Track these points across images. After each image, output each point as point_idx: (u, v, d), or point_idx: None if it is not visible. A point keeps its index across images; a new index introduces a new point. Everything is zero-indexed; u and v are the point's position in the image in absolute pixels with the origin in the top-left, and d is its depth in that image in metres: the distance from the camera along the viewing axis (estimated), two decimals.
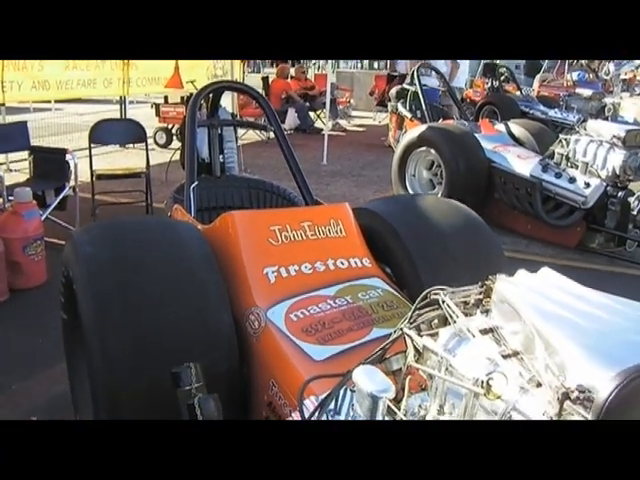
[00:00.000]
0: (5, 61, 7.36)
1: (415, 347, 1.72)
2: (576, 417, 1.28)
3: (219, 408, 1.81)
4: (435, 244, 2.76)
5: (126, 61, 9.40)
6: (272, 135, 11.09)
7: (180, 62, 9.53)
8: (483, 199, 6.42)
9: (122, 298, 2.21)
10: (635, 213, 5.60)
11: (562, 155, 5.98)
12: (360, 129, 14.55)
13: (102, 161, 8.95)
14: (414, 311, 1.79)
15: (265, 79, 13.58)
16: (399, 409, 1.73)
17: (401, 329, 1.76)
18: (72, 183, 5.72)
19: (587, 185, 5.68)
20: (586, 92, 11.98)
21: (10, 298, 4.50)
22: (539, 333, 1.40)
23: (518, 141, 7.01)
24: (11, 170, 8.20)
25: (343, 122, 14.49)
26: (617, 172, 5.65)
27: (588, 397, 1.23)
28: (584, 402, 1.24)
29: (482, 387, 1.44)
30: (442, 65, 8.73)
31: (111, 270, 2.28)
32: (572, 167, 5.91)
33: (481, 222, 2.99)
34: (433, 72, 8.51)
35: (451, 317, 1.65)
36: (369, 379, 1.57)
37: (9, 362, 3.61)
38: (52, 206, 5.43)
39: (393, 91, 8.51)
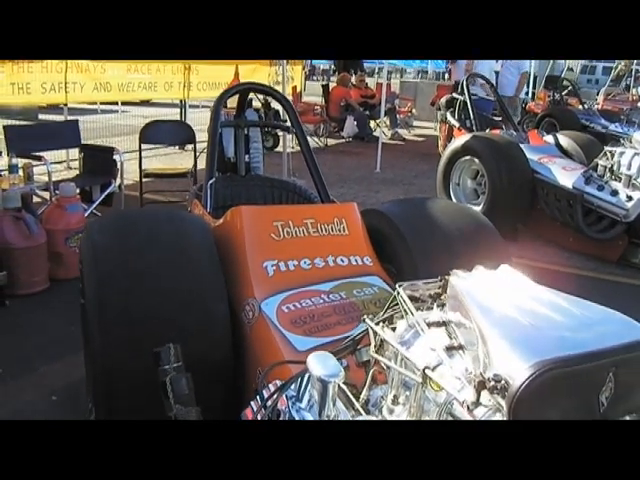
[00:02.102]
0: (68, 62, 7.68)
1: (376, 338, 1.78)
2: (492, 406, 1.32)
3: (191, 387, 1.89)
4: (439, 245, 2.79)
5: (187, 66, 9.68)
6: (329, 142, 11.18)
7: (240, 67, 9.72)
8: (526, 210, 6.38)
9: (122, 282, 2.33)
10: None
11: (605, 167, 5.89)
12: (420, 139, 14.53)
13: (158, 161, 9.23)
14: (389, 306, 1.84)
15: (325, 87, 13.72)
16: (366, 399, 1.78)
17: (364, 320, 1.81)
18: (118, 181, 5.92)
19: (629, 198, 5.58)
20: None
21: (50, 287, 4.70)
22: (478, 326, 1.43)
23: (566, 153, 6.92)
24: (70, 168, 8.52)
25: (403, 131, 14.50)
26: None
27: (503, 386, 1.27)
28: (500, 391, 1.28)
29: (423, 379, 1.50)
30: (486, 73, 8.65)
31: (114, 255, 2.40)
32: (616, 180, 5.81)
33: (489, 226, 3.01)
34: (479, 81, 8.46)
35: (405, 310, 1.70)
36: (320, 364, 1.62)
37: (41, 346, 3.79)
38: (97, 201, 5.65)
39: (443, 100, 8.50)
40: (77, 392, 3.11)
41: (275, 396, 1.76)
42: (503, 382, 1.27)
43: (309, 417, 1.68)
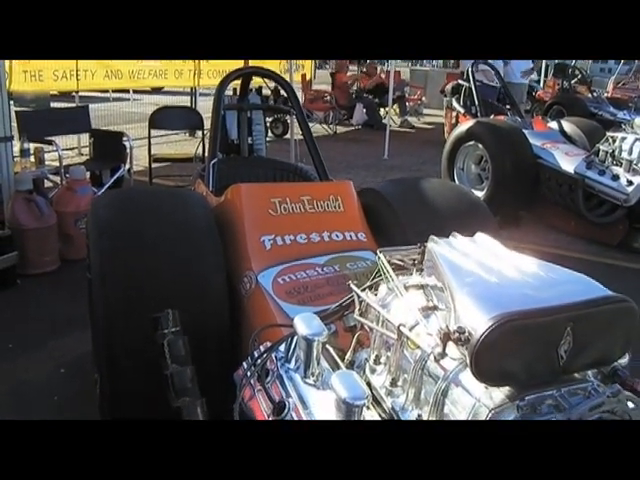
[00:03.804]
0: None
1: (361, 303, 1.88)
2: (460, 358, 1.43)
3: (187, 349, 2.01)
4: (431, 222, 2.88)
5: None
6: (339, 130, 11.23)
7: None
8: (529, 195, 6.45)
9: (124, 254, 2.44)
10: None
11: (607, 153, 5.95)
12: (429, 126, 14.57)
13: (168, 148, 9.34)
14: (376, 273, 1.94)
15: (333, 74, 13.80)
16: (351, 360, 1.89)
17: (349, 285, 1.92)
18: (128, 165, 6.04)
19: (630, 183, 5.65)
20: None
21: (60, 267, 4.85)
22: (448, 285, 1.53)
23: (570, 139, 6.98)
24: (82, 154, 8.65)
25: (412, 119, 14.54)
26: None
27: (467, 337, 1.37)
28: (464, 342, 1.38)
29: (398, 336, 1.60)
30: (499, 61, 8.69)
31: (118, 229, 2.52)
32: (617, 165, 5.88)
33: (481, 204, 3.11)
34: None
35: (385, 275, 1.81)
36: (305, 324, 1.74)
37: (51, 323, 3.92)
38: (107, 185, 5.78)
39: (449, 87, 8.58)
40: (85, 365, 3.21)
41: (265, 355, 1.88)
42: (466, 334, 1.37)
43: (297, 377, 1.79)
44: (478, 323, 1.33)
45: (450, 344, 1.44)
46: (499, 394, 1.37)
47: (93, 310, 2.63)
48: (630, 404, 1.44)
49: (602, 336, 1.44)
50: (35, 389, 3.21)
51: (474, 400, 1.38)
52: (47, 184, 5.83)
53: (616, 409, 1.41)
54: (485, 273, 1.54)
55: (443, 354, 1.44)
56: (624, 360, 1.66)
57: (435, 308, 1.62)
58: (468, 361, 1.34)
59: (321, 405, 1.65)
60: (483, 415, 1.35)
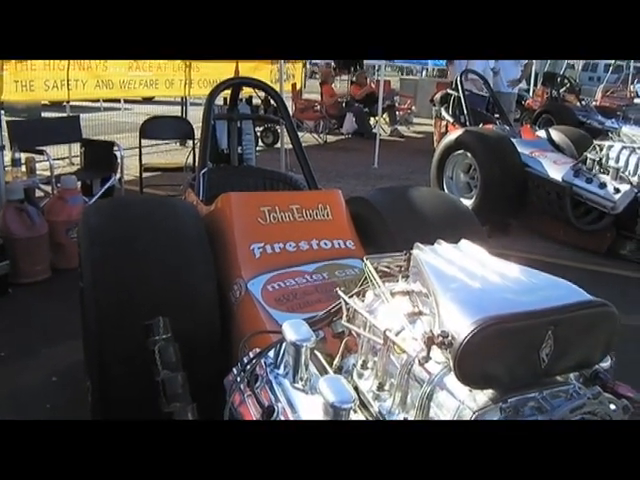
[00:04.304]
0: (70, 61, 7.82)
1: (349, 310, 1.92)
2: (445, 362, 1.46)
3: (178, 355, 2.04)
4: (419, 230, 2.92)
5: (187, 63, 9.79)
6: (329, 139, 11.26)
7: (241, 65, 9.83)
8: (517, 203, 6.50)
9: (115, 262, 2.47)
10: None
11: (594, 161, 6.01)
12: (419, 135, 14.64)
13: (159, 157, 9.37)
14: (364, 280, 1.98)
15: (322, 84, 13.89)
16: (339, 365, 1.92)
17: (336, 292, 1.96)
18: (118, 175, 6.07)
19: (617, 191, 5.70)
20: None
21: (52, 276, 4.86)
22: (432, 291, 1.57)
23: (558, 147, 7.04)
24: (73, 164, 8.67)
25: (402, 128, 14.61)
26: None
27: (450, 341, 1.41)
28: (447, 346, 1.42)
29: (384, 340, 1.64)
30: (481, 69, 8.73)
31: (109, 236, 2.55)
32: (604, 173, 5.94)
33: (467, 212, 3.15)
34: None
35: (372, 282, 1.84)
36: (294, 330, 1.78)
37: (42, 332, 3.95)
38: (98, 194, 5.81)
39: (437, 96, 8.63)
40: (77, 373, 3.23)
41: (254, 361, 1.91)
42: (450, 337, 1.40)
43: (285, 382, 1.82)
44: (461, 327, 1.37)
45: (434, 348, 1.48)
46: (482, 397, 1.40)
47: (85, 318, 2.66)
48: (612, 406, 1.48)
49: (583, 340, 1.48)
50: (28, 396, 3.22)
51: (458, 402, 1.42)
52: (38, 194, 5.86)
53: (597, 410, 1.45)
54: (468, 279, 1.58)
55: (427, 358, 1.47)
56: (606, 364, 1.71)
57: (420, 313, 1.66)
58: (452, 364, 1.38)
59: (309, 409, 1.68)
60: (467, 417, 1.39)
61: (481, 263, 1.70)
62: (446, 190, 7.01)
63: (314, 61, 23.32)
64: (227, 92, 4.43)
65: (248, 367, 1.89)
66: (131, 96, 10.77)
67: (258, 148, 10.09)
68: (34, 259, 4.70)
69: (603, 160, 5.98)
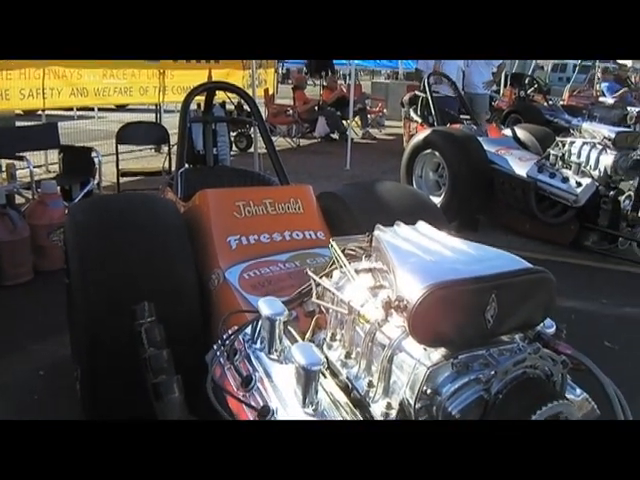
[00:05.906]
0: (45, 69, 7.92)
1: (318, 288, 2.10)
2: (399, 324, 1.65)
3: (162, 335, 2.21)
4: (384, 220, 3.10)
5: (162, 70, 9.91)
6: (302, 142, 11.38)
7: (214, 71, 9.97)
8: (485, 199, 6.71)
9: (102, 253, 2.63)
10: (626, 211, 5.84)
11: (557, 156, 6.24)
12: (390, 137, 14.84)
13: (135, 163, 9.48)
14: (332, 262, 2.16)
15: (294, 89, 14.08)
16: (311, 342, 2.09)
17: (306, 273, 2.14)
18: (97, 180, 6.21)
19: (579, 184, 5.93)
20: (609, 101, 12.10)
21: (35, 278, 4.98)
22: (390, 264, 1.76)
23: (523, 145, 7.26)
24: (49, 171, 8.78)
25: (374, 131, 14.83)
26: (608, 172, 5.89)
27: (405, 305, 1.60)
28: (402, 309, 1.61)
29: (349, 310, 1.83)
30: (454, 72, 8.96)
31: (94, 231, 2.71)
32: (566, 168, 6.17)
33: (429, 202, 3.36)
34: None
35: (337, 260, 2.03)
36: (268, 305, 1.96)
37: (28, 330, 4.07)
38: (77, 199, 5.94)
39: (406, 98, 8.85)
40: (64, 367, 3.36)
41: (233, 337, 2.09)
42: (405, 302, 1.60)
43: (262, 355, 2.00)
44: (414, 292, 1.56)
45: (393, 313, 1.67)
46: (436, 354, 1.60)
47: (72, 312, 2.81)
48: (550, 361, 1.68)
49: (523, 303, 1.68)
50: (15, 388, 3.35)
51: (415, 361, 1.61)
52: (18, 200, 5.96)
53: (537, 364, 1.65)
54: (423, 253, 1.78)
55: (385, 320, 1.67)
56: (551, 329, 1.91)
57: (382, 287, 1.86)
58: (406, 325, 1.57)
59: (284, 377, 1.86)
60: (422, 373, 1.57)
61: (434, 240, 1.90)
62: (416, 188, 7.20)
63: (286, 66, 23.51)
64: (201, 98, 4.59)
65: (227, 342, 2.07)
66: (106, 104, 10.88)
67: (232, 153, 10.23)
68: (17, 262, 4.82)
69: (565, 156, 6.19)
